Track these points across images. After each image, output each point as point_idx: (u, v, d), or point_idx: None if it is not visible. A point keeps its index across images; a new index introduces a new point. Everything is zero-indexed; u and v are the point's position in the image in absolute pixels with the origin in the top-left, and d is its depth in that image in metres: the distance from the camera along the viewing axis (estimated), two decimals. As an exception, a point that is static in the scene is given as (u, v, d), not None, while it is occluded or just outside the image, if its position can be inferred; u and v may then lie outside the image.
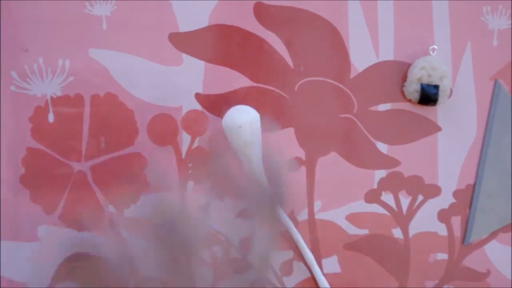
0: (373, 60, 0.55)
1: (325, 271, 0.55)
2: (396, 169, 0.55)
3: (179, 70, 0.54)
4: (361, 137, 0.55)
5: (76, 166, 0.53)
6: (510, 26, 0.55)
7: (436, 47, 0.54)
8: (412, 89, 0.53)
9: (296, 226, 0.55)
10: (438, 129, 0.55)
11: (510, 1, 0.55)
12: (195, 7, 0.54)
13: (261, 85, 0.54)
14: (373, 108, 0.55)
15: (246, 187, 0.42)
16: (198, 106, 0.54)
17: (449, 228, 0.55)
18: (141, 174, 0.54)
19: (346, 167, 0.55)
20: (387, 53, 0.55)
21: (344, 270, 0.55)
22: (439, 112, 0.55)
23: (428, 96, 0.53)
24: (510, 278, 0.55)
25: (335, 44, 0.55)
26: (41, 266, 0.54)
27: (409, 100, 0.55)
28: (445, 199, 0.55)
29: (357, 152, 0.55)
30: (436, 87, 0.53)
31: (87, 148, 0.53)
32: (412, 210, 0.55)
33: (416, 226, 0.55)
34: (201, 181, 0.38)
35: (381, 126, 0.55)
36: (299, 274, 0.55)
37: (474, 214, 0.55)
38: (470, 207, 0.55)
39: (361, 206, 0.55)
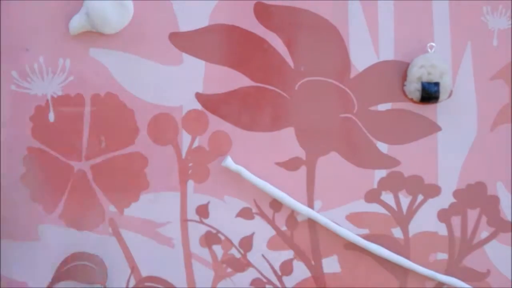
0: (373, 60, 0.55)
1: (325, 271, 0.55)
2: (396, 168, 0.55)
3: (179, 69, 0.54)
4: (361, 137, 0.55)
5: (77, 166, 0.53)
6: (510, 26, 0.55)
7: (434, 44, 0.54)
8: (413, 88, 0.53)
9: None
10: (438, 129, 0.55)
11: (510, 1, 0.55)
12: (196, 7, 0.54)
13: (261, 85, 0.54)
14: (373, 108, 0.55)
15: None
16: (198, 106, 0.54)
17: (449, 228, 0.55)
18: (141, 173, 0.54)
19: (346, 167, 0.55)
20: (387, 53, 0.55)
21: (344, 269, 0.55)
22: (439, 112, 0.55)
23: (430, 94, 0.53)
24: (510, 278, 0.55)
25: (335, 44, 0.55)
26: (41, 265, 0.54)
27: (411, 99, 0.55)
28: (445, 199, 0.55)
29: (357, 152, 0.55)
30: (437, 84, 0.53)
31: (87, 148, 0.53)
32: (412, 210, 0.55)
33: (416, 226, 0.55)
34: None
35: (381, 126, 0.55)
36: (299, 274, 0.55)
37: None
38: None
39: (361, 206, 0.55)
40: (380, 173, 0.55)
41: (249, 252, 0.55)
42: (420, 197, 0.55)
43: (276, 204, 0.54)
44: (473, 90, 0.55)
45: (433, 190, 0.55)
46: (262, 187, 0.53)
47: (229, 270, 0.54)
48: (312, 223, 0.55)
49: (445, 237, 0.55)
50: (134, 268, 0.54)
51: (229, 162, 0.53)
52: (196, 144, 0.54)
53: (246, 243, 0.54)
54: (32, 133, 0.53)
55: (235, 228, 0.55)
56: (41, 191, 0.53)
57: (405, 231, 0.55)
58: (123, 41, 0.54)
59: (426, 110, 0.55)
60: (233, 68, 0.54)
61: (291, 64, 0.55)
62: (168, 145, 0.54)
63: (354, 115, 0.55)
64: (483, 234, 0.56)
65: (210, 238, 0.54)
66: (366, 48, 0.55)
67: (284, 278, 0.55)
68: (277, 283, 0.55)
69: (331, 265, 0.55)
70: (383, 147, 0.55)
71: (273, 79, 0.54)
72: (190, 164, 0.54)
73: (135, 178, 0.54)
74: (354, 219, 0.55)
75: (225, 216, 0.54)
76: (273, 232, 0.55)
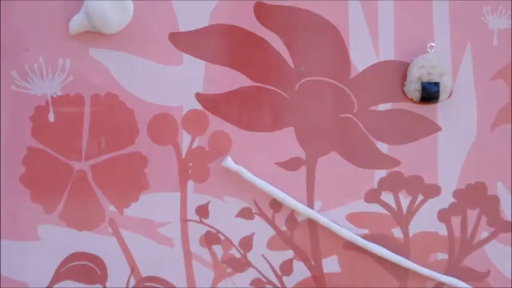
0: (373, 60, 0.55)
1: (325, 271, 0.55)
2: (396, 169, 0.55)
3: (179, 69, 0.54)
4: (361, 137, 0.55)
5: (76, 166, 0.53)
6: (510, 26, 0.55)
7: (433, 44, 0.54)
8: (413, 88, 0.53)
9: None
10: (438, 129, 0.55)
11: (510, 1, 0.55)
12: (196, 6, 0.54)
13: (261, 85, 0.54)
14: (373, 108, 0.55)
15: None
16: (198, 106, 0.54)
17: (449, 228, 0.55)
18: (141, 173, 0.54)
19: (346, 167, 0.55)
20: (387, 53, 0.55)
21: (344, 270, 0.55)
22: (439, 112, 0.55)
23: (430, 94, 0.53)
24: (510, 278, 0.55)
25: (335, 44, 0.55)
26: (41, 265, 0.54)
27: (411, 99, 0.54)
28: (445, 199, 0.55)
29: (357, 152, 0.55)
30: (437, 84, 0.53)
31: (87, 148, 0.53)
32: (412, 210, 0.55)
33: (416, 226, 0.55)
34: None
35: (381, 126, 0.55)
36: (299, 274, 0.55)
37: None
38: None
39: (361, 206, 0.55)
40: (380, 173, 0.55)
41: (249, 252, 0.55)
42: (420, 197, 0.55)
43: (276, 204, 0.54)
44: (473, 90, 0.55)
45: (433, 190, 0.55)
46: (262, 187, 0.53)
47: (229, 270, 0.54)
48: (312, 223, 0.55)
49: (445, 237, 0.55)
50: (134, 268, 0.54)
51: (229, 162, 0.53)
52: (196, 144, 0.54)
53: (246, 243, 0.54)
54: (32, 133, 0.53)
55: (235, 228, 0.55)
56: (41, 191, 0.53)
57: (405, 231, 0.55)
58: (123, 41, 0.54)
59: (426, 110, 0.55)
60: (233, 68, 0.54)
61: (291, 64, 0.55)
62: (168, 145, 0.54)
63: (354, 115, 0.55)
64: (483, 234, 0.56)
65: (210, 238, 0.54)
66: (366, 48, 0.55)
67: (284, 278, 0.55)
68: (277, 283, 0.55)
69: (331, 265, 0.55)
70: (383, 147, 0.55)
71: (273, 79, 0.54)
72: (190, 164, 0.54)
73: (135, 178, 0.54)
74: (354, 219, 0.55)
75: (225, 216, 0.54)
76: (273, 232, 0.55)
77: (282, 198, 0.54)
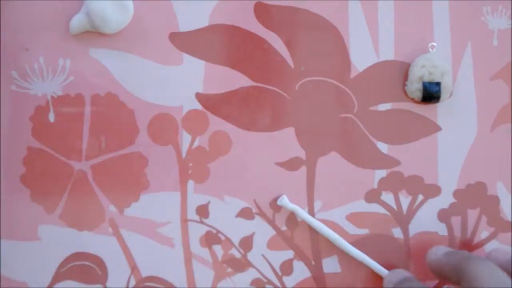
0: (373, 60, 0.55)
1: (325, 271, 0.55)
2: (396, 168, 0.55)
3: (179, 69, 0.54)
4: (361, 137, 0.55)
5: (77, 166, 0.53)
6: (510, 26, 0.55)
7: (435, 44, 0.55)
8: (414, 88, 0.54)
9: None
10: (438, 129, 0.55)
11: (510, 1, 0.55)
12: (196, 6, 0.54)
13: (261, 85, 0.54)
14: (374, 108, 0.55)
15: None
16: (198, 106, 0.54)
17: (449, 228, 0.55)
18: (141, 173, 0.54)
19: (346, 167, 0.55)
20: (388, 53, 0.55)
21: (344, 269, 0.55)
22: (439, 112, 0.55)
23: (431, 94, 0.53)
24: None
25: (335, 44, 0.55)
26: (41, 265, 0.54)
27: (412, 99, 0.55)
28: (445, 199, 0.55)
29: (357, 152, 0.55)
30: (438, 84, 0.53)
31: (87, 148, 0.53)
32: (412, 210, 0.55)
33: (416, 226, 0.55)
34: None
35: (381, 126, 0.55)
36: (299, 274, 0.55)
37: None
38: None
39: (361, 206, 0.55)
40: (380, 173, 0.55)
41: (249, 252, 0.55)
42: (420, 197, 0.55)
43: (276, 204, 0.54)
44: (473, 90, 0.55)
45: (433, 190, 0.55)
46: (318, 227, 0.54)
47: (229, 270, 0.54)
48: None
49: (445, 237, 0.55)
50: (134, 268, 0.54)
51: (285, 201, 0.53)
52: (196, 144, 0.54)
53: (246, 243, 0.54)
54: (32, 133, 0.53)
55: (235, 228, 0.55)
56: (41, 191, 0.53)
57: (405, 231, 0.55)
58: (123, 41, 0.54)
59: (426, 110, 0.55)
60: (233, 68, 0.54)
61: (291, 64, 0.55)
62: (168, 145, 0.54)
63: (354, 115, 0.55)
64: (483, 234, 0.56)
65: (210, 238, 0.54)
66: (366, 48, 0.55)
67: (284, 278, 0.55)
68: (277, 283, 0.55)
69: (331, 265, 0.55)
70: (383, 147, 0.55)
71: (273, 79, 0.54)
72: (190, 164, 0.54)
73: (135, 178, 0.54)
74: (354, 219, 0.55)
75: (225, 216, 0.54)
76: (273, 232, 0.55)
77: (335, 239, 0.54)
